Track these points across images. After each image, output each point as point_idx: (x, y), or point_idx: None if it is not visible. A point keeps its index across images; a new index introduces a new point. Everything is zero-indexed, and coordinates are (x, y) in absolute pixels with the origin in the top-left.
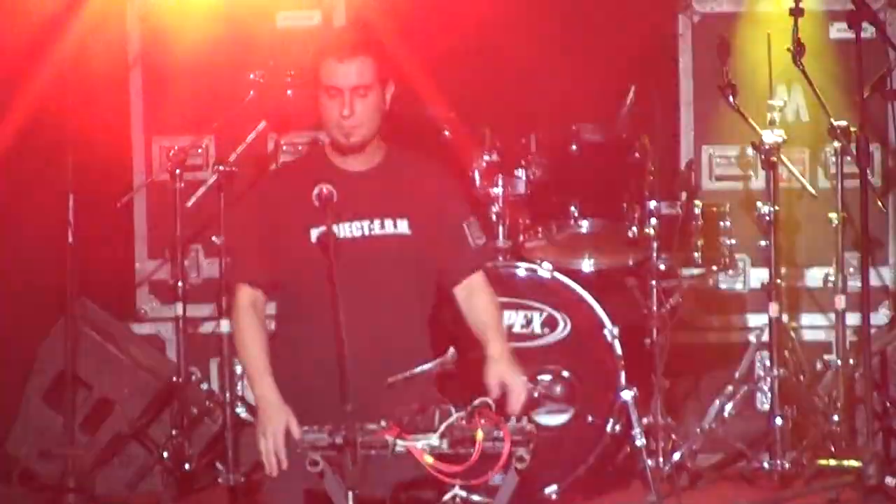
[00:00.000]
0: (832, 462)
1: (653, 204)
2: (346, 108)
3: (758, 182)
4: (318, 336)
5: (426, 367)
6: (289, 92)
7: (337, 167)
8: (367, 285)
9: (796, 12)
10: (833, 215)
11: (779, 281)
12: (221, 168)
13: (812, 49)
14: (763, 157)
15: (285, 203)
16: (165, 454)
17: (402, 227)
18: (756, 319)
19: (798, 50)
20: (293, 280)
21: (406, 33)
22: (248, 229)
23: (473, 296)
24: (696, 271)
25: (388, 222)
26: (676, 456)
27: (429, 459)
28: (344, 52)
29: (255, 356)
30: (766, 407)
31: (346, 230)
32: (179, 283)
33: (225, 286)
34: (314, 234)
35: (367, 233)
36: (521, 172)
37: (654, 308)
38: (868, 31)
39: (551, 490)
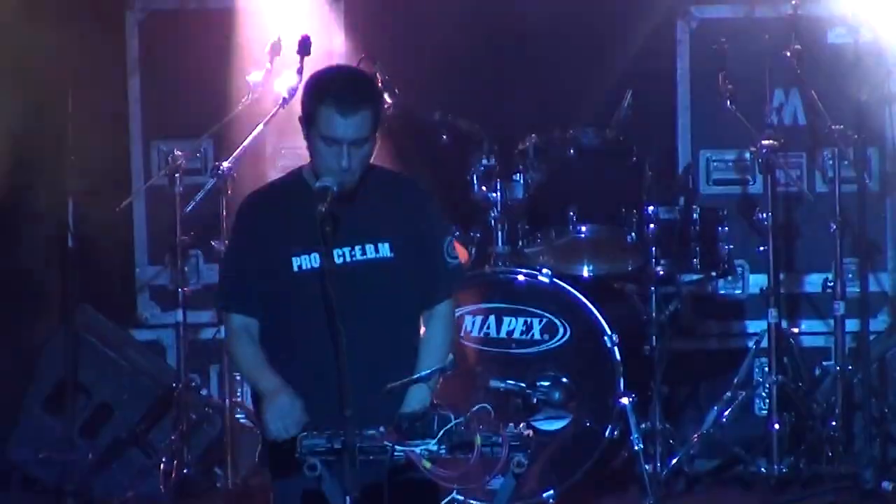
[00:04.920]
0: (828, 467)
1: (651, 209)
2: (346, 161)
3: (756, 186)
4: (300, 358)
5: (424, 374)
6: (286, 96)
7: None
8: (352, 311)
9: (794, 18)
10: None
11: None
12: (220, 172)
13: (810, 54)
14: (760, 161)
15: (266, 230)
16: (164, 459)
17: (384, 250)
18: (755, 325)
19: (796, 55)
20: (275, 306)
21: (405, 38)
22: (236, 257)
23: (430, 326)
24: (694, 277)
25: (370, 247)
26: (674, 461)
27: (427, 464)
28: (347, 106)
29: (253, 358)
30: (765, 412)
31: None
32: (180, 290)
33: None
34: (295, 263)
35: (348, 259)
36: (519, 177)
37: (654, 314)
38: (866, 36)
39: (549, 494)
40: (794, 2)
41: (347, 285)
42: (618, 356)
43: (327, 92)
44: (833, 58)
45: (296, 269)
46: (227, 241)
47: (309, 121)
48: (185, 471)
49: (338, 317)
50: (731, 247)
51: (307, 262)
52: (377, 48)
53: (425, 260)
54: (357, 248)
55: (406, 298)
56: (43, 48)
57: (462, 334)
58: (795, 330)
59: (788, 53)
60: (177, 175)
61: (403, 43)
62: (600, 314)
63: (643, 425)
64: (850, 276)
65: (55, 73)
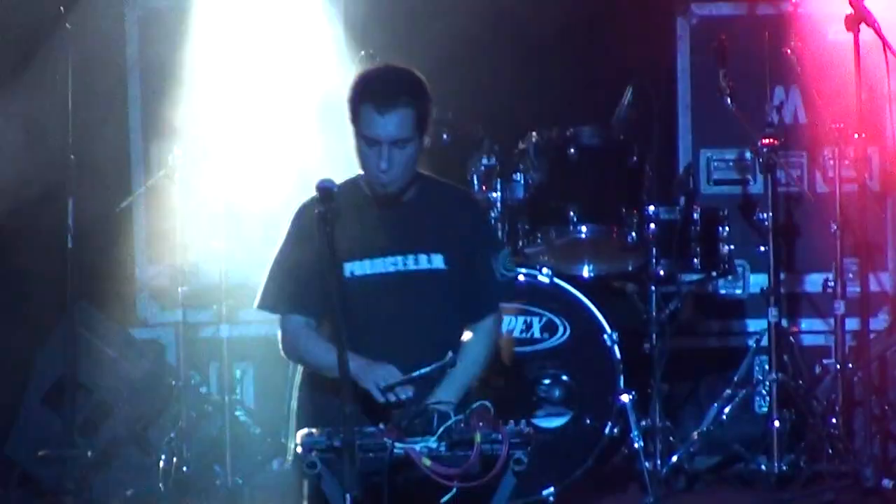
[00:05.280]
0: (829, 464)
1: (651, 209)
2: (385, 162)
3: (756, 186)
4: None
5: (426, 370)
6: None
7: (372, 199)
8: (402, 318)
9: (794, 15)
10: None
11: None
12: (219, 171)
13: (810, 52)
14: (761, 160)
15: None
16: (163, 457)
17: (438, 261)
18: (755, 324)
19: (797, 53)
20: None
21: (404, 35)
22: (291, 260)
23: (470, 337)
24: (695, 277)
25: (423, 257)
26: (674, 458)
27: (427, 462)
28: (385, 103)
29: (329, 348)
30: (765, 410)
31: (381, 265)
32: (180, 289)
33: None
34: (348, 269)
35: (401, 267)
36: (519, 176)
37: (654, 314)
38: (867, 33)
39: (549, 492)
40: None
41: (399, 293)
42: (617, 354)
43: (366, 89)
44: (834, 56)
45: (348, 274)
46: (280, 245)
47: (353, 121)
48: (184, 469)
49: (381, 333)
50: (732, 247)
51: (360, 268)
52: (377, 46)
53: (474, 274)
54: (410, 257)
55: (454, 310)
56: (43, 47)
57: None
58: (795, 329)
59: (789, 51)
60: (176, 175)
61: (403, 41)
62: (600, 312)
63: (643, 423)
64: (850, 275)
65: (54, 73)
